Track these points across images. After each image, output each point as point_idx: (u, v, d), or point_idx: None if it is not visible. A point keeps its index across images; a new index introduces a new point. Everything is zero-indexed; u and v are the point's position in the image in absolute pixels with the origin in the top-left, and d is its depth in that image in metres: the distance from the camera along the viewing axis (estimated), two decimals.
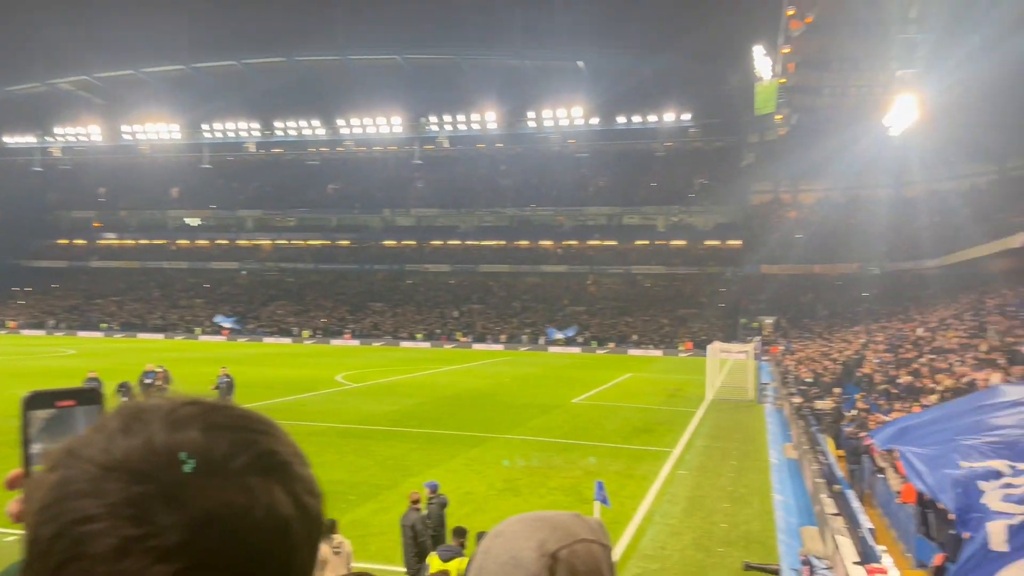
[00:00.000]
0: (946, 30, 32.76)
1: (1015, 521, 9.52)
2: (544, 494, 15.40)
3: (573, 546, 1.03)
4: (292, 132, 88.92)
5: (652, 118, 79.87)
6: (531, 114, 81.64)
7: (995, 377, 20.72)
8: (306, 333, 71.48)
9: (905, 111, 37.82)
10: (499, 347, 66.32)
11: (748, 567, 11.39)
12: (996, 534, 9.63)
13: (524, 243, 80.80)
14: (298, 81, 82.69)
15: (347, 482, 15.46)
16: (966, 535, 10.23)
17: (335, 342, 67.62)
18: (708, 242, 75.42)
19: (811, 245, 66.18)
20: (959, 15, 31.51)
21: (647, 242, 76.93)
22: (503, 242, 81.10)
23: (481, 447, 20.05)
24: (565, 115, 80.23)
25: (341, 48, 79.55)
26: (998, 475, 11.32)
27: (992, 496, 10.58)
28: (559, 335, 64.93)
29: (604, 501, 10.31)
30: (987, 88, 37.05)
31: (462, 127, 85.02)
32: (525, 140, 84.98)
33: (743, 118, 70.60)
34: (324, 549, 8.40)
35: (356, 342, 67.65)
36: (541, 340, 66.98)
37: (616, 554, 11.89)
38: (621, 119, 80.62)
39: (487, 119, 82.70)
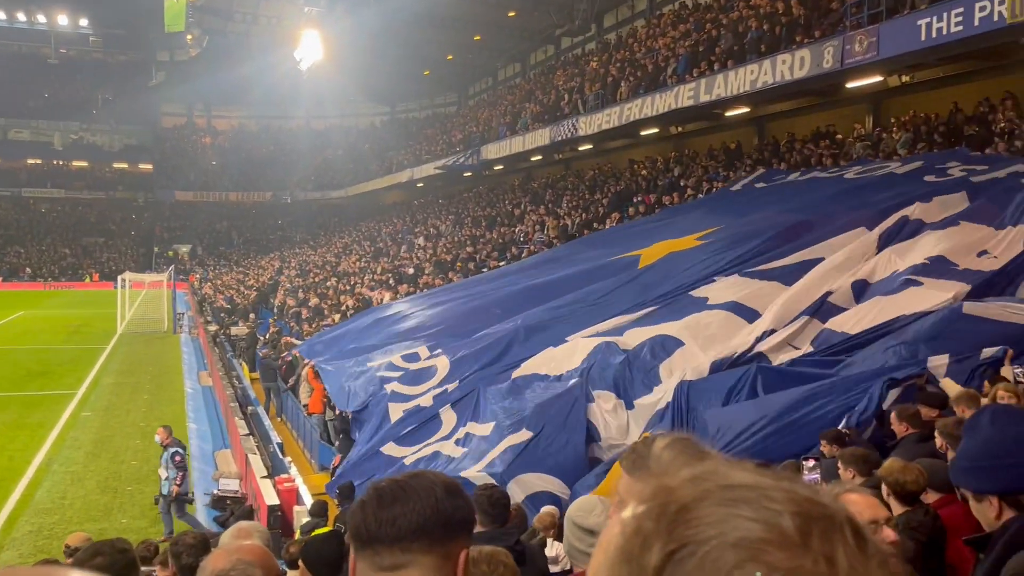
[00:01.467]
0: None
1: (410, 404, 11.62)
2: None
3: None
4: None
5: (41, 18, 69.14)
6: None
7: (387, 295, 23.69)
8: None
9: (311, 47, 39.75)
10: None
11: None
12: (395, 412, 11.63)
13: None
14: None
15: None
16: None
17: None
18: (116, 165, 69.15)
19: (227, 172, 65.83)
20: None
21: (41, 161, 67.25)
22: None
23: None
24: None
25: None
26: (395, 368, 13.43)
27: (394, 384, 12.58)
28: None
29: None
30: (378, 35, 40.56)
31: None
32: None
33: (151, 33, 65.70)
34: None
35: None
36: None
37: (4, 514, 10.54)
38: (1, 15, 67.95)
39: None
